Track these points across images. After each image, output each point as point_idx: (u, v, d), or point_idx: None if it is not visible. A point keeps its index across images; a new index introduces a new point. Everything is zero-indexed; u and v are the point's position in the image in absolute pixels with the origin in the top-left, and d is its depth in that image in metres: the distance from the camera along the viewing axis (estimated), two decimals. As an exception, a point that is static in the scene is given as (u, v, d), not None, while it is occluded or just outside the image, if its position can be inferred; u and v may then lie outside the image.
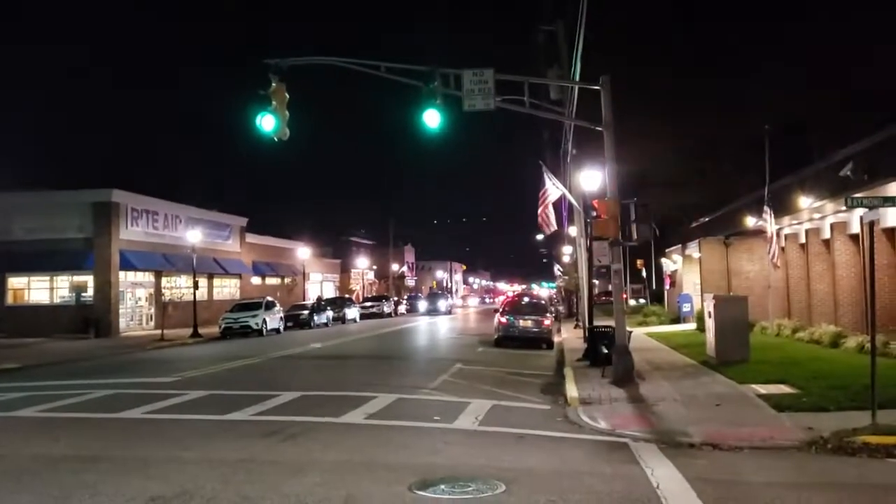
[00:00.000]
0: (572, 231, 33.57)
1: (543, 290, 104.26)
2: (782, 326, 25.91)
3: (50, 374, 21.78)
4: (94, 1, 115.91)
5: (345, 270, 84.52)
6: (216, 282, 53.88)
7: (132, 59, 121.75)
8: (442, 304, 70.05)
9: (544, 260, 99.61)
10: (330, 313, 50.13)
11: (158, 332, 37.02)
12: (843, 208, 22.42)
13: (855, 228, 23.69)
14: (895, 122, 18.75)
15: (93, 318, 39.14)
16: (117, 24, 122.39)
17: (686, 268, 43.48)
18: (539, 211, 27.06)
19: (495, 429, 11.75)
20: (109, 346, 32.75)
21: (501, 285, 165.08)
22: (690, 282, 41.36)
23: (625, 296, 43.96)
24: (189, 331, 37.85)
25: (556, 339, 30.03)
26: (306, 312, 46.96)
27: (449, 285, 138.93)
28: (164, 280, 46.25)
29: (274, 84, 17.14)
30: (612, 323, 18.32)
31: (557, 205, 27.70)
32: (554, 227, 28.45)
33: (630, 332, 19.01)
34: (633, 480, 8.53)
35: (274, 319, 41.18)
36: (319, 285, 74.56)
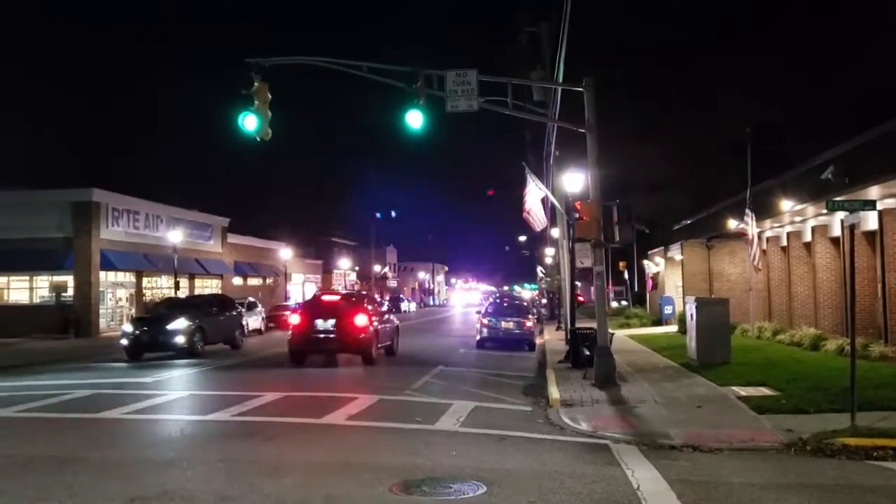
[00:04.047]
0: (555, 233, 33.62)
1: (526, 292, 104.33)
2: (763, 329, 26.03)
3: (29, 373, 21.54)
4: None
5: (327, 271, 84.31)
6: (197, 282, 53.52)
7: (112, 58, 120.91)
8: (177, 331, 24.97)
9: (525, 258, 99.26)
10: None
11: (139, 332, 36.64)
12: (824, 211, 22.63)
13: (836, 231, 23.90)
14: (876, 125, 18.87)
15: (73, 318, 38.77)
16: (97, 21, 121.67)
17: (668, 270, 43.66)
18: (524, 216, 27.10)
19: (477, 430, 11.73)
20: (89, 346, 32.46)
21: (460, 285, 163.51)
22: (672, 284, 41.54)
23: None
24: (170, 331, 37.46)
25: (538, 340, 30.06)
26: (288, 313, 46.69)
27: (431, 286, 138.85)
28: (145, 280, 45.97)
29: (256, 83, 17.05)
30: (594, 325, 18.35)
31: (543, 203, 27.76)
32: (543, 224, 28.50)
33: (612, 334, 19.04)
34: (613, 482, 8.54)
35: (256, 320, 40.97)
36: (301, 286, 74.32)
